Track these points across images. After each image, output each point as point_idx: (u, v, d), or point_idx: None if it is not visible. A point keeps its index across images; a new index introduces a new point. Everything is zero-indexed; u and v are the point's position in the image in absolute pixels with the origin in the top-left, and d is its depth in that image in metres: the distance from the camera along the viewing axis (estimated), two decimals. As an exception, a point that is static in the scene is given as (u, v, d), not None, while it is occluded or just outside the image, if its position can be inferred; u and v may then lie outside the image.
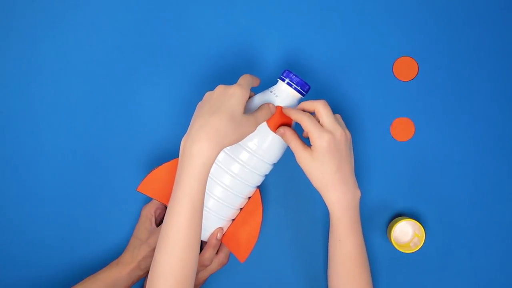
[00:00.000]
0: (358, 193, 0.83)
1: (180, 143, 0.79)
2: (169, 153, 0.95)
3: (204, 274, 0.89)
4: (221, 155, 0.85)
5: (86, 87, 0.95)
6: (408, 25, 0.95)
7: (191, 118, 0.80)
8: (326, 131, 0.79)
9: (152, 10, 0.95)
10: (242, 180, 0.85)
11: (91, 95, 0.95)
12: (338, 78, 0.95)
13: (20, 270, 0.94)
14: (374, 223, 0.95)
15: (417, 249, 0.92)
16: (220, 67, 0.95)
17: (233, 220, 0.89)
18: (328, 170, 0.80)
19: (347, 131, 0.82)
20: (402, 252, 0.95)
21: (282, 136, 0.82)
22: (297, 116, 0.81)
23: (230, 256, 0.93)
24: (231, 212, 0.87)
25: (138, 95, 0.95)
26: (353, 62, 0.95)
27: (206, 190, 0.85)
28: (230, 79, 0.94)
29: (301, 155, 0.81)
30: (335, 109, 0.95)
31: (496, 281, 0.96)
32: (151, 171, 0.88)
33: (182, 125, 0.94)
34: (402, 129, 0.96)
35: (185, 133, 0.78)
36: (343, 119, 0.95)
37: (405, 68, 0.95)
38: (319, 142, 0.79)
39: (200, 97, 0.83)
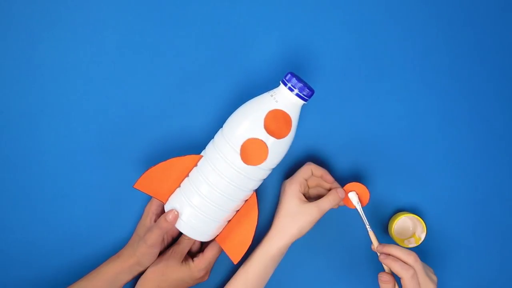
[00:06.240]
0: None
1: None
2: (167, 153, 0.95)
3: (184, 248, 0.90)
4: (217, 159, 0.82)
5: (85, 87, 0.94)
6: (408, 25, 0.96)
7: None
8: None
9: (153, 10, 0.95)
10: (238, 186, 0.83)
11: (90, 95, 0.94)
12: (337, 79, 0.96)
13: (20, 270, 0.94)
14: (376, 218, 0.96)
15: (417, 244, 0.92)
16: (222, 67, 0.95)
17: (229, 221, 0.88)
18: None
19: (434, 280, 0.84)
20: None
21: (384, 283, 0.84)
22: (397, 269, 0.83)
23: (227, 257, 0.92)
24: (226, 214, 0.86)
25: (137, 94, 0.95)
26: (353, 63, 0.96)
27: (201, 193, 0.84)
28: (232, 79, 0.95)
29: None
30: (338, 111, 0.95)
31: (496, 280, 0.96)
32: (148, 169, 0.88)
33: (180, 124, 0.94)
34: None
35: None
36: (347, 121, 0.95)
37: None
38: None
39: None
